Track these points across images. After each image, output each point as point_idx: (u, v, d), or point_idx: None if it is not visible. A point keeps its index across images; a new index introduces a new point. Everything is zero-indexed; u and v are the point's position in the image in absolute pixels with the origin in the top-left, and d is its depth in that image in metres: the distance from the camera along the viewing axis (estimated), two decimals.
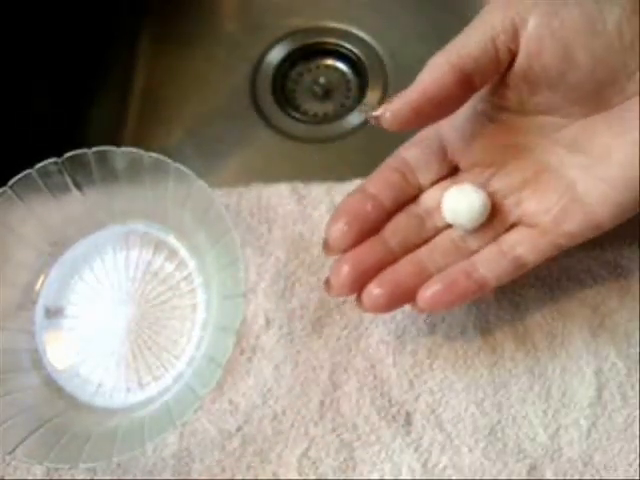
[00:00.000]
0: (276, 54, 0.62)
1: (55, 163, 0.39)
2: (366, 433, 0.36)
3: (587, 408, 0.35)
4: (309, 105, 0.60)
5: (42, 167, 0.38)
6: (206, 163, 0.58)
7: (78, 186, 0.40)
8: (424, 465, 0.35)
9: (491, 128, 0.34)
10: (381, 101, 0.59)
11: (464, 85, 0.31)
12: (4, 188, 0.38)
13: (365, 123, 0.58)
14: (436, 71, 0.31)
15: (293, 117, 0.59)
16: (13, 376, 0.37)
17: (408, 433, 0.35)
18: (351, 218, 0.33)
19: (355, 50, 0.61)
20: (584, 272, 0.39)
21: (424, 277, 0.33)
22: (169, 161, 0.38)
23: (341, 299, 0.39)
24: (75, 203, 0.40)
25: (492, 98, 0.33)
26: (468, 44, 0.31)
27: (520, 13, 0.30)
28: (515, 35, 0.30)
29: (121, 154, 0.39)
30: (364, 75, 0.60)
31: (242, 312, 0.36)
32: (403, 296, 0.33)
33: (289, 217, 0.41)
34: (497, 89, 0.32)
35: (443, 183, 0.35)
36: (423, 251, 0.34)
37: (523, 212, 0.33)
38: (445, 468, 0.34)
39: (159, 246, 0.41)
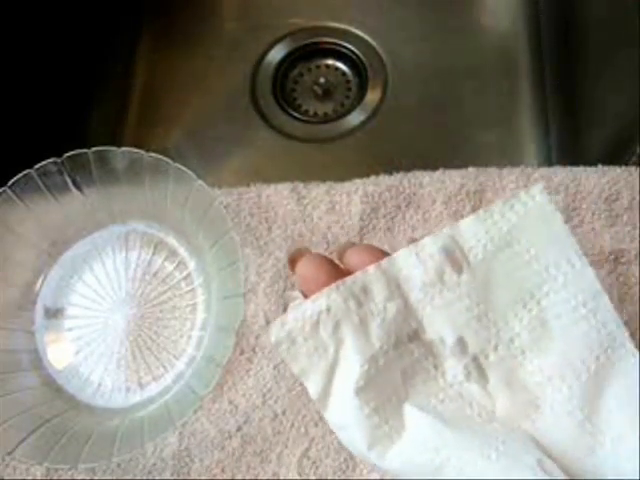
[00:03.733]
0: (276, 54, 0.62)
1: (55, 163, 0.39)
2: None
3: None
4: (309, 105, 0.60)
5: (41, 167, 0.38)
6: (206, 163, 0.58)
7: (78, 186, 0.40)
8: None
9: None
10: (381, 101, 0.59)
11: None
12: (4, 188, 0.38)
13: (365, 123, 0.58)
14: None
15: (293, 117, 0.59)
16: (13, 376, 0.37)
17: None
18: None
19: (355, 50, 0.61)
20: None
21: None
22: (169, 161, 0.38)
23: None
24: (75, 203, 0.40)
25: None
26: None
27: None
28: None
29: (121, 154, 0.39)
30: (364, 75, 0.60)
31: (242, 312, 0.36)
32: None
33: (289, 217, 0.41)
34: None
35: None
36: None
37: None
38: None
39: (159, 246, 0.41)
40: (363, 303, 0.25)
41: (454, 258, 0.25)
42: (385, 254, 0.26)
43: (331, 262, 0.27)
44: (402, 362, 0.26)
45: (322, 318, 0.25)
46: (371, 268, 0.25)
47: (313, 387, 0.25)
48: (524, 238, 0.25)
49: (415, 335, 0.26)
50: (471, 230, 0.25)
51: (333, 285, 0.25)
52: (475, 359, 0.25)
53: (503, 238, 0.25)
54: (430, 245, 0.25)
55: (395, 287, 0.25)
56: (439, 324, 0.25)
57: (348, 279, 0.25)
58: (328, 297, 0.25)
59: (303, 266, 0.27)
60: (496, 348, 0.25)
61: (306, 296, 0.26)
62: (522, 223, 0.25)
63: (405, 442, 0.25)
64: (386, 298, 0.25)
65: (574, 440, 0.25)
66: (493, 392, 0.25)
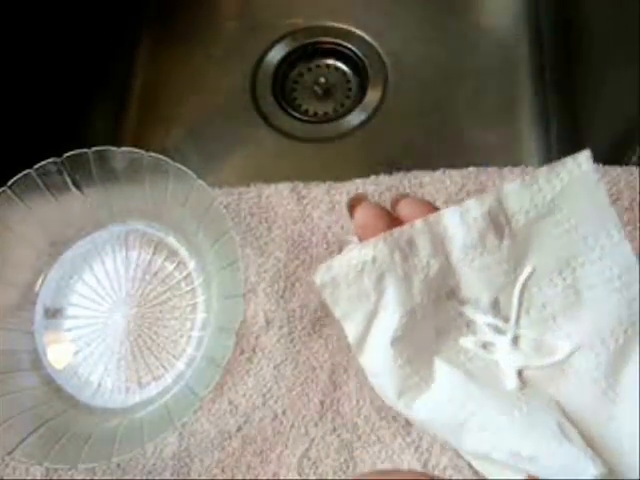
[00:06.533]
0: (276, 54, 0.62)
1: (55, 163, 0.39)
2: (366, 433, 0.36)
3: None
4: (309, 105, 0.60)
5: (41, 167, 0.38)
6: (206, 163, 0.58)
7: (78, 186, 0.40)
8: (424, 465, 0.35)
9: None
10: (381, 101, 0.59)
11: None
12: (4, 188, 0.38)
13: (365, 123, 0.58)
14: None
15: (293, 117, 0.59)
16: (13, 376, 0.37)
17: (408, 433, 0.35)
18: None
19: (355, 50, 0.61)
20: None
21: None
22: (169, 161, 0.38)
23: None
24: (75, 203, 0.40)
25: None
26: None
27: None
28: None
29: (121, 154, 0.39)
30: (364, 75, 0.60)
31: (242, 312, 0.36)
32: None
33: (289, 217, 0.41)
34: None
35: None
36: None
37: None
38: (445, 468, 0.34)
39: (159, 246, 0.41)
40: (408, 256, 0.25)
41: (497, 222, 0.25)
42: (435, 209, 0.27)
43: (388, 212, 0.28)
44: (438, 318, 0.26)
45: (367, 267, 0.25)
46: (418, 222, 0.25)
47: (352, 331, 0.26)
48: (566, 207, 0.25)
49: (452, 293, 0.26)
50: (516, 196, 0.25)
51: (380, 236, 0.25)
52: (507, 321, 0.26)
53: (546, 206, 0.25)
54: (475, 208, 0.25)
55: (439, 243, 0.26)
56: (476, 285, 0.26)
57: (395, 231, 0.25)
58: (375, 247, 0.25)
59: (362, 213, 0.28)
60: (528, 312, 0.26)
61: (361, 242, 0.27)
62: (566, 191, 0.25)
63: (433, 393, 0.25)
64: (430, 254, 0.25)
65: (596, 406, 0.25)
66: (521, 354, 0.26)
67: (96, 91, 0.60)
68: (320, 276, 0.26)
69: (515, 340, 0.26)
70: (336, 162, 0.57)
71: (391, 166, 0.42)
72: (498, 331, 0.26)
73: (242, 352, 0.38)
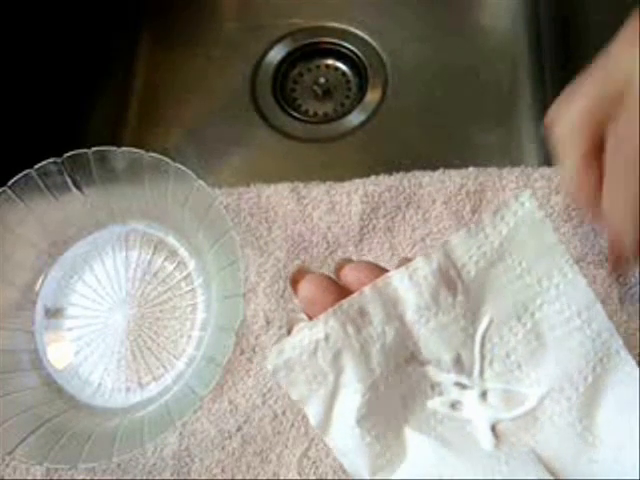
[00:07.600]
0: (276, 54, 0.62)
1: (55, 163, 0.39)
2: None
3: None
4: (309, 105, 0.60)
5: (41, 167, 0.38)
6: (206, 163, 0.58)
7: (78, 186, 0.40)
8: None
9: None
10: (381, 101, 0.59)
11: None
12: (4, 188, 0.38)
13: (365, 123, 0.58)
14: None
15: (293, 117, 0.59)
16: (13, 376, 0.37)
17: None
18: None
19: (355, 50, 0.61)
20: (582, 272, 0.38)
21: None
22: (169, 161, 0.38)
23: None
24: (75, 203, 0.40)
25: None
26: None
27: None
28: None
29: (121, 154, 0.39)
30: (364, 75, 0.60)
31: (242, 312, 0.36)
32: None
33: (289, 217, 0.41)
34: None
35: None
36: None
37: None
38: None
39: (159, 246, 0.41)
40: (361, 327, 0.24)
41: (448, 277, 0.24)
42: (382, 270, 0.26)
43: (333, 281, 0.26)
44: (401, 385, 0.25)
45: (320, 346, 0.24)
46: (367, 289, 0.24)
47: (313, 414, 0.25)
48: (515, 251, 0.25)
49: (412, 357, 0.25)
50: (463, 246, 0.25)
51: (330, 310, 0.24)
52: (471, 376, 0.25)
53: (495, 252, 0.25)
54: (423, 267, 0.24)
55: (391, 307, 0.25)
56: (435, 345, 0.25)
57: (344, 302, 0.24)
58: (326, 324, 0.24)
59: (306, 288, 0.26)
60: (492, 364, 0.25)
61: (310, 318, 0.25)
62: (513, 235, 0.25)
63: (407, 468, 0.24)
64: (384, 321, 0.24)
65: (575, 451, 0.24)
66: (491, 408, 0.25)
67: (96, 91, 0.60)
68: (272, 361, 0.24)
69: (483, 395, 0.25)
70: (336, 162, 0.57)
71: (391, 166, 0.42)
72: (464, 388, 0.25)
73: (242, 352, 0.38)
